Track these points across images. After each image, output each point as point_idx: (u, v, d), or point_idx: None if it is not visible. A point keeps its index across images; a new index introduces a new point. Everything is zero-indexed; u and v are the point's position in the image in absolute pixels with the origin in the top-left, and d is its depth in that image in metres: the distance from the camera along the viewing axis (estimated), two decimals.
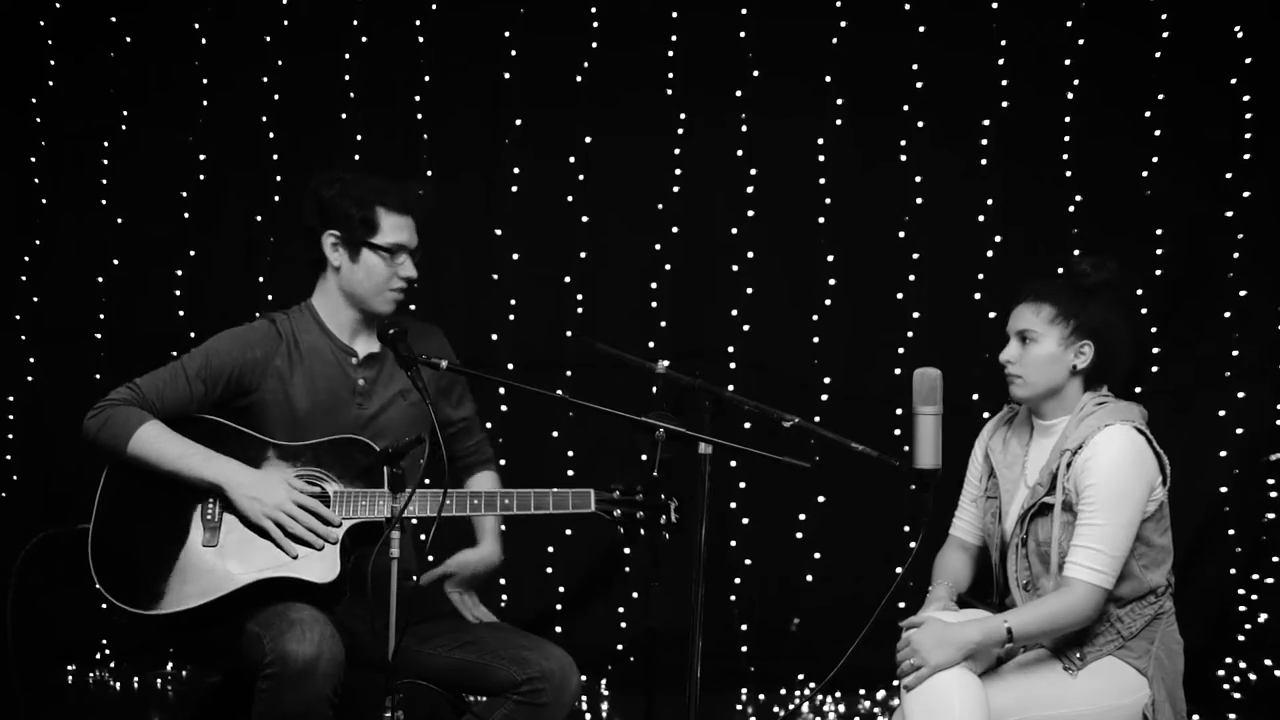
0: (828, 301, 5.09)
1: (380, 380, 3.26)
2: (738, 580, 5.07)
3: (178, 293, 5.19)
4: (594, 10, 5.14)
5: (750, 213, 5.11)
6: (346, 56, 5.17)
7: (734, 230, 5.11)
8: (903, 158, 5.04)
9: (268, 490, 3.01)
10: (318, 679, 2.85)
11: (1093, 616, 2.91)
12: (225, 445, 3.09)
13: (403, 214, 3.21)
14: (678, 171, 5.13)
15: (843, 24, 5.06)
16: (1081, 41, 4.97)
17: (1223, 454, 4.90)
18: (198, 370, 3.14)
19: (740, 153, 5.10)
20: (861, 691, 4.84)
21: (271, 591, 2.98)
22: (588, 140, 5.15)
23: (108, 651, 5.06)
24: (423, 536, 3.33)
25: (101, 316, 5.20)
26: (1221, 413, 4.91)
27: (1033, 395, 3.06)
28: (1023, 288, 3.10)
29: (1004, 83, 5.01)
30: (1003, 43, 5.00)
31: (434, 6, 5.16)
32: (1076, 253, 3.13)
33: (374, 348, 3.28)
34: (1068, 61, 4.98)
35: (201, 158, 5.21)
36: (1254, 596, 4.88)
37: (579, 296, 5.16)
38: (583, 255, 5.16)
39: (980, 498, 3.21)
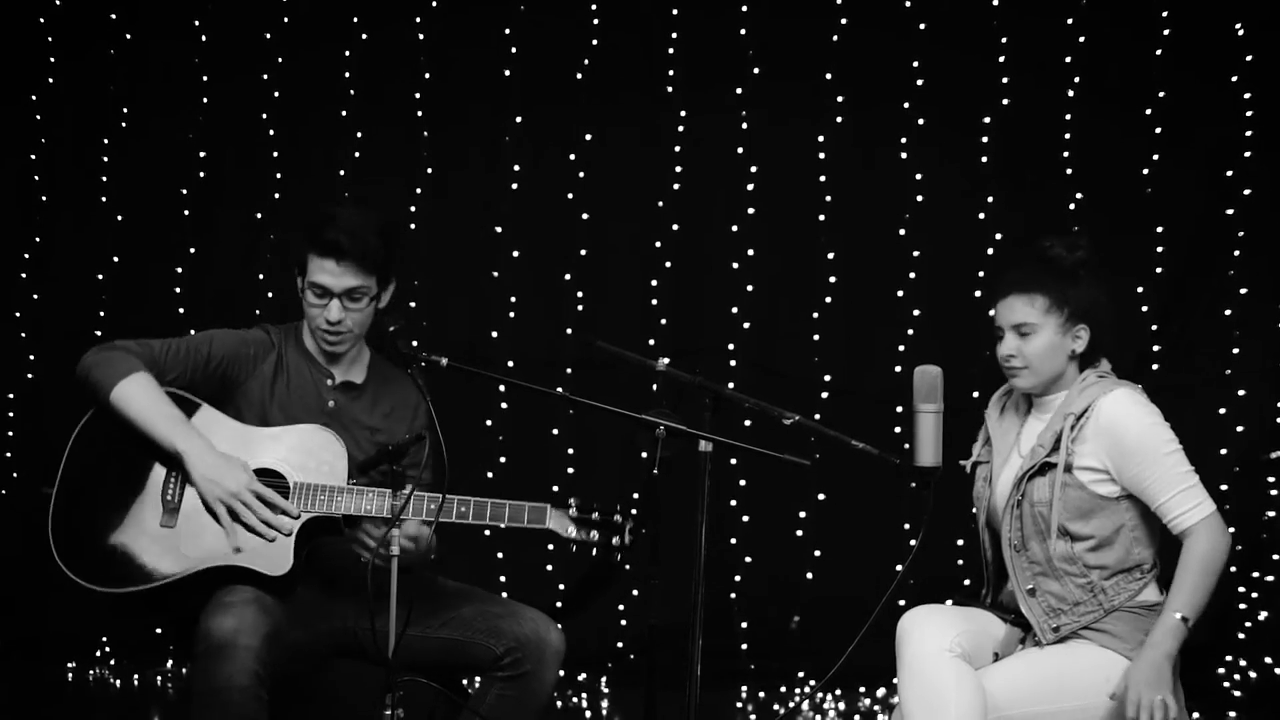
0: (828, 299, 5.09)
1: (353, 410, 3.26)
2: (738, 579, 5.07)
3: (178, 290, 5.19)
4: (594, 7, 5.13)
5: (750, 210, 5.11)
6: (346, 54, 5.17)
7: (734, 228, 5.11)
8: (903, 155, 5.04)
9: (227, 474, 3.00)
10: (239, 650, 2.84)
11: (1227, 541, 2.95)
12: (194, 417, 3.08)
13: (325, 257, 3.13)
14: (678, 169, 5.13)
15: (843, 21, 5.06)
16: (1082, 39, 4.97)
17: (1223, 452, 4.90)
18: (198, 346, 3.18)
19: (740, 150, 5.10)
20: (862, 689, 4.84)
21: (223, 579, 2.98)
22: (588, 138, 5.15)
23: (108, 650, 5.06)
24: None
25: (101, 314, 5.19)
26: (1221, 411, 4.91)
27: (1038, 384, 3.07)
28: (1005, 279, 3.10)
29: (1004, 80, 5.01)
30: (1003, 40, 5.00)
31: (434, 4, 5.16)
32: (1049, 237, 3.15)
33: (354, 377, 3.29)
34: (1068, 59, 4.98)
35: (201, 155, 5.21)
36: (1254, 595, 4.88)
37: (579, 294, 5.16)
38: (583, 253, 5.16)
39: (975, 463, 3.24)
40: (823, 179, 5.08)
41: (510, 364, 5.10)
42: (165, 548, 3.00)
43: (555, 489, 5.07)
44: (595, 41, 5.14)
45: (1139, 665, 2.89)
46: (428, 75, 5.17)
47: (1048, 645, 2.99)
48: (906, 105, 5.03)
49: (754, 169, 5.11)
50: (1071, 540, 2.99)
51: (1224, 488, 4.90)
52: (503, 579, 5.05)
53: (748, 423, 4.55)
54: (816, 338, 5.10)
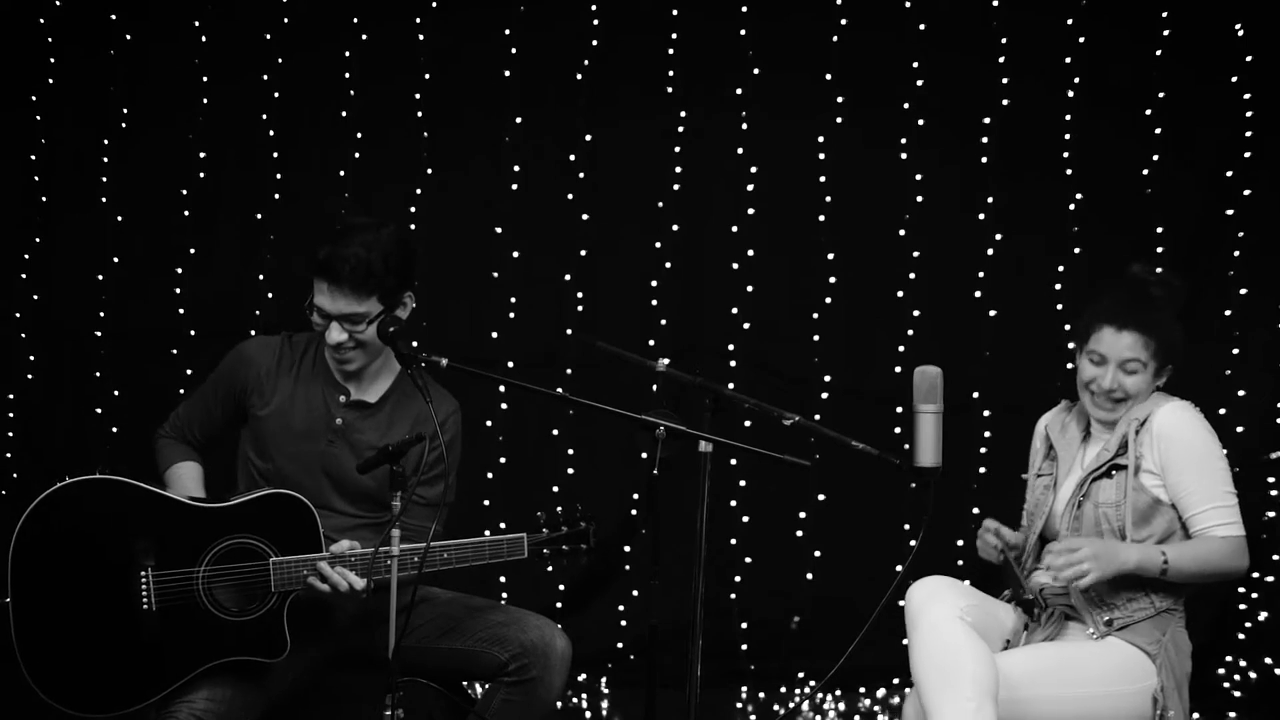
0: (828, 299, 5.09)
1: (362, 430, 3.20)
2: (738, 579, 5.07)
3: (178, 291, 5.18)
4: (594, 8, 5.13)
5: (750, 210, 5.11)
6: (346, 54, 5.16)
7: (734, 228, 5.11)
8: (903, 156, 5.04)
9: None
10: None
11: (1243, 567, 3.04)
12: (143, 507, 2.99)
13: (322, 280, 3.09)
14: (678, 169, 5.13)
15: (843, 21, 5.06)
16: (1082, 40, 4.97)
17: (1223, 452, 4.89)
18: (212, 391, 3.26)
19: (740, 150, 5.10)
20: (862, 690, 4.84)
21: (218, 670, 2.94)
22: (588, 138, 5.15)
23: None
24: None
25: (101, 315, 5.19)
26: (1221, 411, 4.91)
27: (1122, 416, 3.15)
28: (1116, 310, 3.15)
29: (1004, 81, 5.01)
30: (1003, 41, 5.00)
31: (434, 4, 5.16)
32: (1149, 270, 3.22)
33: (368, 396, 3.23)
34: (1068, 60, 4.98)
35: (201, 156, 5.20)
36: (1254, 595, 4.88)
37: (579, 295, 5.16)
38: (583, 253, 5.16)
39: (1036, 475, 3.32)
40: (823, 179, 5.08)
41: (510, 364, 5.10)
42: (153, 658, 2.91)
43: (555, 489, 5.07)
44: (595, 42, 5.14)
45: (1110, 543, 3.00)
46: (428, 76, 5.17)
47: (1098, 639, 3.04)
48: (906, 105, 5.03)
49: (754, 169, 5.11)
50: (1130, 542, 3.04)
51: None
52: (502, 579, 5.05)
53: (748, 423, 4.55)
54: (816, 338, 5.10)
